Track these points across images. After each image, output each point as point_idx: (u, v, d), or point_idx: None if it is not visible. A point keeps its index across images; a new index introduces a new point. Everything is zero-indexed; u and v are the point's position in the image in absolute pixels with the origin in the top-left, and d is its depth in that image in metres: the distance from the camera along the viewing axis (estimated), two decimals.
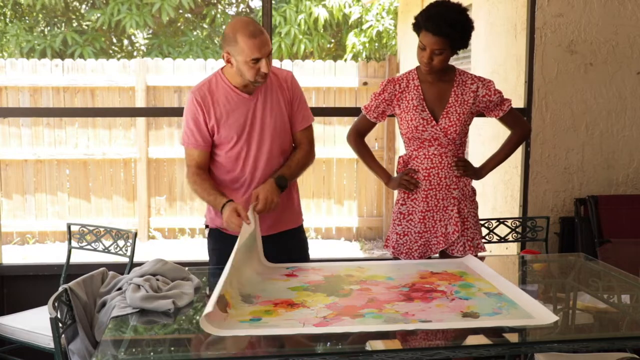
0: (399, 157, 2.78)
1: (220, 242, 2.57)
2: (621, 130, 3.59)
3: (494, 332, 1.84)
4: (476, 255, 2.66)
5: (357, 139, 2.82)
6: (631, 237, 3.37)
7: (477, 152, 4.69)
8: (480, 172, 2.80)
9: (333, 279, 2.31)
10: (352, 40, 8.70)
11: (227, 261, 2.15)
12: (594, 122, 3.56)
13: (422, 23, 2.57)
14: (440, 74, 2.67)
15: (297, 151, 2.61)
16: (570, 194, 3.57)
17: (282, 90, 2.56)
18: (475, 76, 2.73)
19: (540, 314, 1.91)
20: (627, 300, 2.17)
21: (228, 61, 2.43)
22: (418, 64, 2.70)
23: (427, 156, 2.68)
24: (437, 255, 2.72)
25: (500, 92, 2.71)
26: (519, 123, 2.82)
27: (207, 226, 2.67)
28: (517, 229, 3.14)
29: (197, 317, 1.89)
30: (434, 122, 2.64)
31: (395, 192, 2.79)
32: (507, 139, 2.83)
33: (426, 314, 1.93)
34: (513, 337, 1.86)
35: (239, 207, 2.33)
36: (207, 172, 2.54)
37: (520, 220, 3.18)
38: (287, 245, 2.63)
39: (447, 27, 2.53)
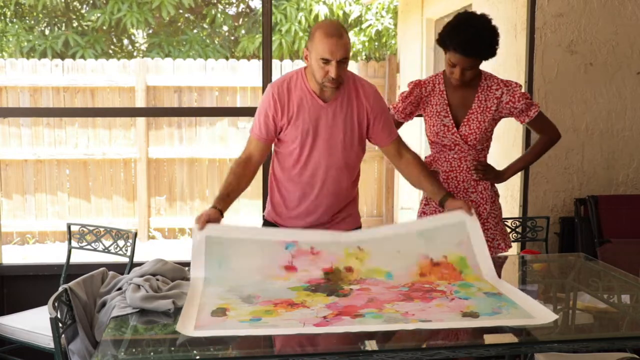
0: (425, 157, 2.81)
1: None
2: (621, 130, 3.59)
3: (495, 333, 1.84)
4: (494, 255, 2.67)
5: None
6: (631, 237, 3.37)
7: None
8: (502, 175, 2.82)
9: (333, 276, 2.26)
10: (352, 39, 8.70)
11: None
12: (594, 122, 3.56)
13: (450, 45, 2.56)
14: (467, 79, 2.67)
15: (413, 165, 2.56)
16: (570, 194, 3.58)
17: (359, 105, 2.48)
18: (501, 81, 2.74)
19: (540, 314, 1.91)
20: (627, 300, 2.17)
21: (305, 57, 2.42)
22: (439, 71, 2.75)
23: (447, 159, 2.73)
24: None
25: (526, 97, 2.70)
26: (547, 129, 2.81)
27: (263, 218, 2.69)
28: (517, 229, 3.14)
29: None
30: (454, 129, 2.68)
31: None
32: (534, 143, 2.87)
33: (426, 314, 1.91)
34: (513, 337, 1.86)
35: (213, 217, 2.31)
36: (251, 167, 2.49)
37: (520, 220, 3.18)
38: None
39: (478, 48, 2.56)
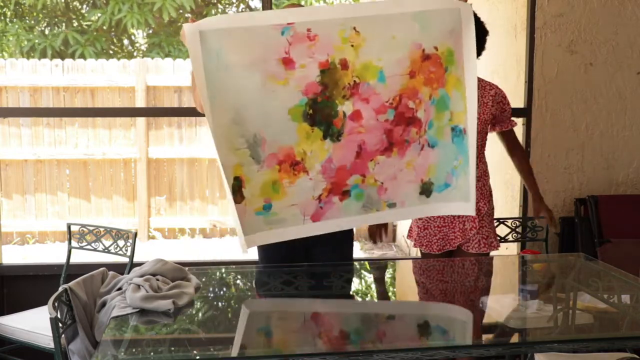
0: None
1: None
2: (621, 130, 3.59)
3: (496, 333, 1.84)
4: (488, 253, 2.79)
5: None
6: (631, 237, 3.37)
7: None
8: (543, 205, 2.94)
9: (328, 79, 2.20)
10: None
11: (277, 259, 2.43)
12: (594, 122, 3.56)
13: None
14: None
15: None
16: (570, 194, 3.57)
17: None
18: (492, 83, 2.87)
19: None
20: (627, 300, 2.17)
21: None
22: None
23: None
24: (454, 249, 2.82)
25: (511, 108, 2.87)
26: (518, 144, 2.98)
27: None
28: (517, 229, 3.14)
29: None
30: None
31: None
32: (521, 169, 2.98)
33: (393, 193, 2.33)
34: (513, 337, 1.86)
35: None
36: None
37: (520, 220, 3.19)
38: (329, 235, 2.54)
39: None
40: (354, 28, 2.21)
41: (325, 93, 2.22)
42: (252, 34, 2.13)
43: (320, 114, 2.22)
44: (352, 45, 2.21)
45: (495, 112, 2.81)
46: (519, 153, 2.98)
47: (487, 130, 2.83)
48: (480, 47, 2.74)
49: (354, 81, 2.24)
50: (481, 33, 2.72)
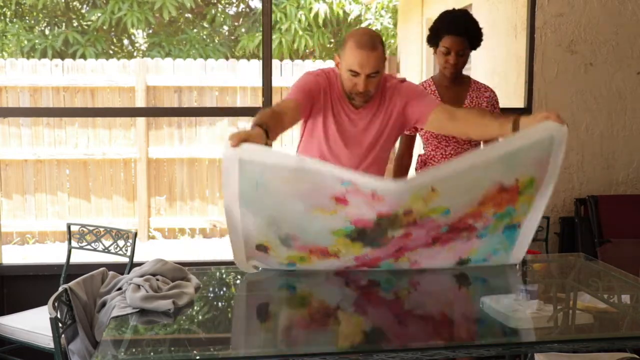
0: (418, 155, 2.92)
1: None
2: (621, 130, 3.59)
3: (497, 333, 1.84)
4: None
5: (397, 167, 2.91)
6: (631, 237, 3.37)
7: None
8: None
9: (385, 221, 2.02)
10: None
11: None
12: (594, 122, 3.56)
13: (443, 29, 2.76)
14: (456, 80, 2.84)
15: (476, 111, 2.53)
16: (570, 194, 3.57)
17: (393, 105, 2.41)
18: (488, 86, 2.93)
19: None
20: (627, 300, 2.16)
21: (337, 64, 2.35)
22: (430, 76, 2.91)
23: (444, 155, 2.83)
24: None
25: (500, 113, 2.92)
26: None
27: None
28: None
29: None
30: None
31: None
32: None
33: (426, 265, 2.22)
34: (513, 337, 1.86)
35: (254, 137, 2.00)
36: (279, 121, 2.20)
37: None
38: None
39: (467, 26, 2.75)
40: (432, 187, 2.02)
41: (379, 227, 2.05)
42: (306, 173, 1.98)
43: (367, 238, 2.07)
44: (424, 200, 2.03)
45: None
46: None
47: None
48: (476, 44, 2.82)
49: (415, 220, 2.07)
50: (476, 38, 2.80)
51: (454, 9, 2.86)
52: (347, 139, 2.41)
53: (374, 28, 8.57)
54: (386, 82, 2.44)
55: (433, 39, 2.82)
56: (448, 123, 2.40)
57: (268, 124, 2.06)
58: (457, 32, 2.73)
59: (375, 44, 2.26)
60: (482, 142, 2.85)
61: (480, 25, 2.83)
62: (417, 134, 2.91)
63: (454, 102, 2.78)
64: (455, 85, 2.86)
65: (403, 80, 2.49)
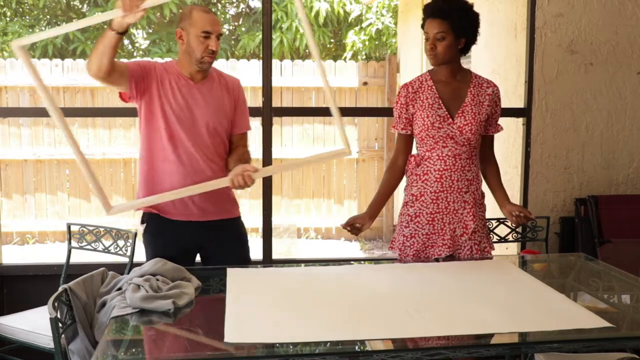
0: (411, 156, 2.72)
1: (156, 225, 2.66)
2: (621, 130, 3.59)
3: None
4: (481, 256, 2.66)
5: (389, 166, 2.78)
6: (631, 237, 3.37)
7: None
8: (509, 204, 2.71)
9: None
10: (352, 38, 8.69)
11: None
12: (594, 122, 3.56)
13: (425, 12, 2.63)
14: (455, 73, 2.66)
15: (240, 151, 2.67)
16: (570, 194, 3.57)
17: (228, 92, 2.67)
18: (491, 81, 2.73)
19: None
20: (627, 300, 2.17)
21: (180, 37, 2.54)
22: (428, 68, 2.72)
23: (440, 157, 2.63)
24: (442, 256, 2.66)
25: (501, 110, 2.75)
26: (492, 152, 2.81)
27: (142, 220, 2.77)
28: (517, 229, 3.14)
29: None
30: (450, 119, 2.60)
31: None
32: (495, 178, 2.76)
33: None
34: (513, 337, 1.86)
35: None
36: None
37: None
38: (222, 236, 2.67)
39: (444, 7, 2.56)
40: None
41: None
42: None
43: None
44: None
45: (490, 112, 2.68)
46: (494, 160, 2.78)
47: (482, 131, 2.67)
48: (464, 30, 2.61)
49: None
50: (467, 12, 2.61)
51: None
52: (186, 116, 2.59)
53: (374, 28, 8.58)
54: (220, 72, 2.72)
55: (422, 27, 2.66)
56: (231, 152, 2.71)
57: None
58: (432, 14, 2.57)
59: (211, 10, 2.64)
60: (477, 147, 2.70)
61: (475, 14, 2.63)
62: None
63: (453, 98, 2.63)
64: (455, 81, 2.65)
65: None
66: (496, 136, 2.83)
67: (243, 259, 2.68)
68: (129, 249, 3.00)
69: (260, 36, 3.60)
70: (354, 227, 2.62)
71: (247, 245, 2.75)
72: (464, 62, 3.30)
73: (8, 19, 8.73)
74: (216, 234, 2.63)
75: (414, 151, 2.76)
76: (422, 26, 2.65)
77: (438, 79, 2.67)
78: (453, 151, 2.61)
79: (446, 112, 2.61)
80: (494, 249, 2.78)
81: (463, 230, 2.64)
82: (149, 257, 2.55)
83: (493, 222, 3.07)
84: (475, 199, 2.66)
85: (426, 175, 2.64)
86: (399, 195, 7.27)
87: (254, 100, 6.89)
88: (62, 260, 3.17)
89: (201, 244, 2.64)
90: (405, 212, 2.71)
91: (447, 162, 2.62)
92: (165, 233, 2.61)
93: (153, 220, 2.66)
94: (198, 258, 2.76)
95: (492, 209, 2.87)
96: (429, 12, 2.60)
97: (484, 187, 2.76)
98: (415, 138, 2.71)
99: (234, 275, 2.27)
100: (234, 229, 2.72)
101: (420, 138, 2.66)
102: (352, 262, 2.75)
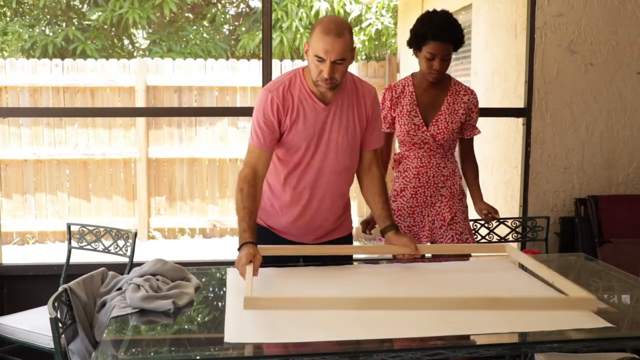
0: (394, 154, 2.95)
1: (266, 241, 2.46)
2: (621, 130, 3.59)
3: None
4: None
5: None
6: (631, 237, 3.37)
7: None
8: (480, 201, 2.91)
9: None
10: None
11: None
12: (594, 122, 3.56)
13: (429, 34, 2.69)
14: (436, 82, 2.82)
15: (376, 182, 2.51)
16: (570, 194, 3.57)
17: (359, 107, 2.43)
18: (468, 88, 2.90)
19: None
20: (627, 300, 2.17)
21: (306, 52, 2.32)
22: (414, 71, 2.86)
23: (417, 156, 2.85)
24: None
25: (478, 116, 2.89)
26: (473, 154, 2.98)
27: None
28: (517, 229, 3.14)
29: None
30: (424, 127, 2.81)
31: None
32: (472, 176, 2.95)
33: None
34: (513, 337, 1.86)
35: (258, 256, 2.16)
36: (259, 183, 2.34)
37: (521, 220, 3.18)
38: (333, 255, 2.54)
39: (455, 32, 2.72)
40: None
41: None
42: None
43: None
44: None
45: (464, 119, 2.85)
46: (471, 160, 2.96)
47: (456, 135, 2.85)
48: (459, 47, 2.78)
49: None
50: (460, 41, 2.76)
51: (435, 11, 2.78)
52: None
53: (374, 28, 8.58)
54: (355, 81, 2.48)
55: (416, 43, 2.75)
56: (362, 168, 2.53)
57: (254, 235, 2.23)
58: (442, 39, 2.68)
59: (342, 30, 2.24)
60: (454, 147, 2.89)
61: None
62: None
63: (431, 106, 2.81)
64: (434, 89, 2.82)
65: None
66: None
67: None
68: (129, 249, 3.00)
69: (260, 36, 3.60)
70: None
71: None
72: (465, 62, 3.35)
73: (8, 19, 8.72)
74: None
75: (397, 149, 2.97)
76: (418, 44, 2.74)
77: (419, 84, 2.84)
78: (428, 152, 2.84)
79: (421, 120, 2.81)
80: (474, 242, 2.95)
81: (441, 222, 2.84)
82: None
83: (493, 222, 3.08)
84: (452, 193, 2.86)
85: (406, 172, 2.87)
86: None
87: (254, 100, 6.89)
88: (62, 260, 3.17)
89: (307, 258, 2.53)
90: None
91: (423, 160, 2.84)
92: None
93: (263, 231, 2.50)
94: (197, 258, 2.75)
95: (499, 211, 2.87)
96: (438, 37, 2.67)
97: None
98: (397, 137, 2.91)
99: (234, 275, 2.27)
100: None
101: (399, 139, 2.89)
102: (352, 262, 2.75)
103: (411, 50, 2.83)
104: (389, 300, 1.90)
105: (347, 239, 2.64)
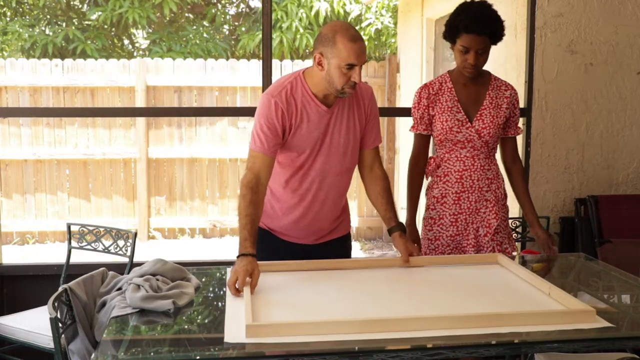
0: (430, 157, 2.73)
1: (267, 242, 2.48)
2: (621, 130, 3.59)
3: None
4: None
5: (413, 169, 2.74)
6: (631, 237, 3.37)
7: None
8: (540, 229, 2.77)
9: None
10: None
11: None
12: (594, 122, 3.56)
13: (463, 26, 2.52)
14: (476, 76, 2.64)
15: (379, 182, 2.51)
16: (570, 194, 3.57)
17: (358, 107, 2.44)
18: (509, 83, 2.74)
19: None
20: (627, 300, 2.17)
21: (319, 63, 2.27)
22: (449, 69, 2.71)
23: (459, 158, 2.64)
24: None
25: (520, 112, 2.74)
26: (516, 153, 2.80)
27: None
28: (517, 229, 3.13)
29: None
30: (468, 123, 2.61)
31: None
32: (517, 184, 2.80)
33: None
34: (513, 337, 1.85)
35: (256, 272, 2.12)
36: (262, 188, 2.32)
37: (521, 220, 3.18)
38: (332, 254, 2.53)
39: (490, 24, 2.55)
40: None
41: None
42: None
43: None
44: None
45: (508, 114, 2.68)
46: (518, 166, 2.80)
47: (500, 133, 2.68)
48: (498, 40, 2.64)
49: None
50: (499, 34, 2.63)
51: (472, 1, 2.59)
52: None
53: (374, 28, 8.58)
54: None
55: (450, 35, 2.58)
56: (364, 169, 2.54)
57: (254, 240, 2.21)
58: (477, 32, 2.50)
59: (360, 34, 2.29)
60: (496, 148, 2.73)
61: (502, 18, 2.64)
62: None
63: (472, 102, 2.64)
64: (473, 84, 2.65)
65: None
66: None
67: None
68: (129, 249, 3.00)
69: (260, 36, 3.60)
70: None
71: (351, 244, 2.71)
72: None
73: (8, 18, 8.72)
74: (327, 252, 2.53)
75: (431, 153, 2.78)
76: (452, 37, 2.58)
77: (457, 80, 2.66)
78: (471, 152, 2.63)
79: (465, 116, 2.62)
80: (515, 250, 2.77)
81: (486, 230, 2.64)
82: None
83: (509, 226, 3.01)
84: (497, 197, 2.67)
85: (447, 177, 2.65)
86: (399, 194, 7.27)
87: (254, 100, 6.90)
88: (62, 260, 3.17)
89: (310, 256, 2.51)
90: (428, 216, 2.72)
91: (465, 162, 2.63)
92: (276, 253, 2.49)
93: (264, 234, 2.50)
94: (197, 258, 2.75)
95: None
96: (472, 29, 2.51)
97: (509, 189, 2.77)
98: (434, 140, 2.71)
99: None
100: (344, 245, 2.65)
101: (439, 140, 2.67)
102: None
103: (411, 50, 2.81)
104: (395, 320, 1.84)
105: (347, 239, 2.65)
